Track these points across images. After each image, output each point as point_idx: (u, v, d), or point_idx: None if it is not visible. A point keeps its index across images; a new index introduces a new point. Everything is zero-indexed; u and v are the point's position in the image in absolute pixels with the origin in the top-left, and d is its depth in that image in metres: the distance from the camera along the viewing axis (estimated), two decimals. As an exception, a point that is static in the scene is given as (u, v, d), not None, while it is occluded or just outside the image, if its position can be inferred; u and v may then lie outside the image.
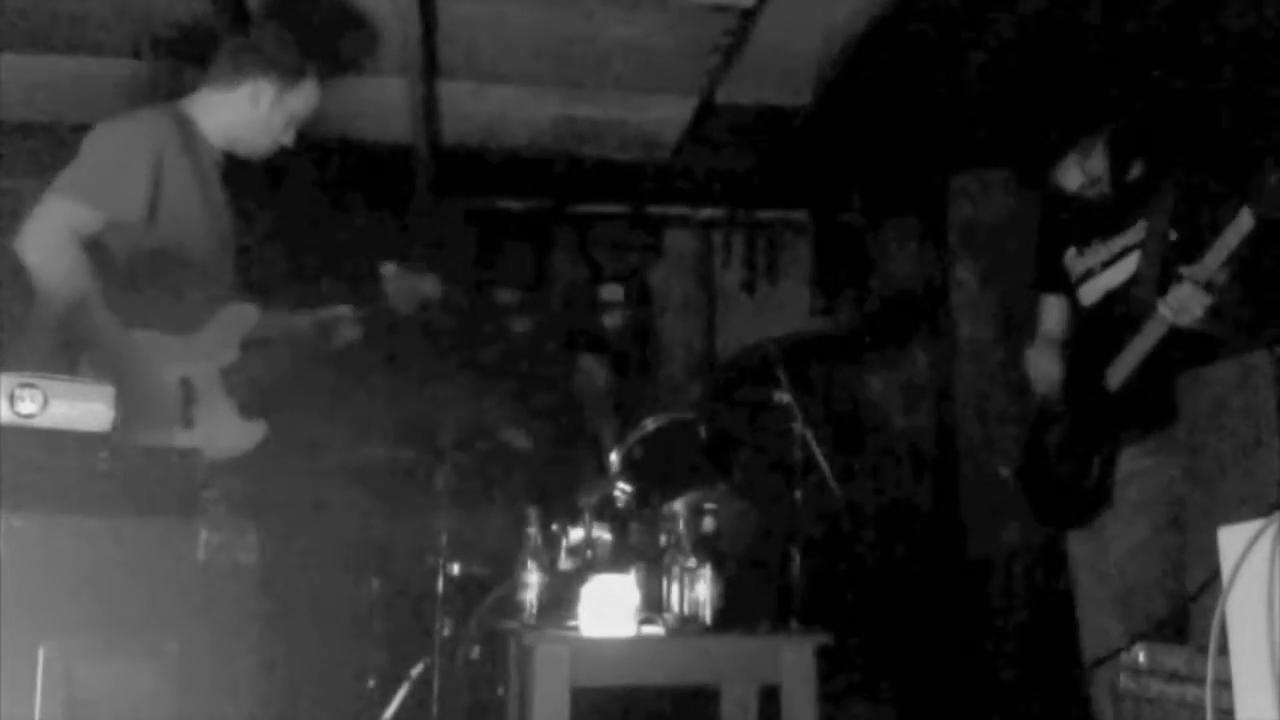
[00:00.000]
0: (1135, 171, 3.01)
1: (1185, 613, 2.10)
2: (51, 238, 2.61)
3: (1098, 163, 2.97)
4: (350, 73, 3.78)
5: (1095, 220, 3.05)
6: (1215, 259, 2.62)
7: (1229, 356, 2.40)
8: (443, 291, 3.29)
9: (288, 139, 3.01)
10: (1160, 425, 2.78)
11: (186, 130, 2.87)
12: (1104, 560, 2.93)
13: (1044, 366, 3.11)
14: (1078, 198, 3.05)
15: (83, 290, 2.60)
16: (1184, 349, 2.69)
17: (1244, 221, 2.53)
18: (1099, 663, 2.81)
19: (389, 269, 3.22)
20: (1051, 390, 3.09)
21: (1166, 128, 3.37)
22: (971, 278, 4.86)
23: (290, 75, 2.94)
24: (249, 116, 2.93)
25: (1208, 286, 2.65)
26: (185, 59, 3.53)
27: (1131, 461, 2.89)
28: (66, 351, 2.60)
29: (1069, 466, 2.99)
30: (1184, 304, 2.68)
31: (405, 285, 3.23)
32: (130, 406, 2.54)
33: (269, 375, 2.93)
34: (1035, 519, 3.29)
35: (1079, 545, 3.04)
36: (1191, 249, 2.71)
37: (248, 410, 2.81)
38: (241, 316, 2.89)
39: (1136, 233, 2.94)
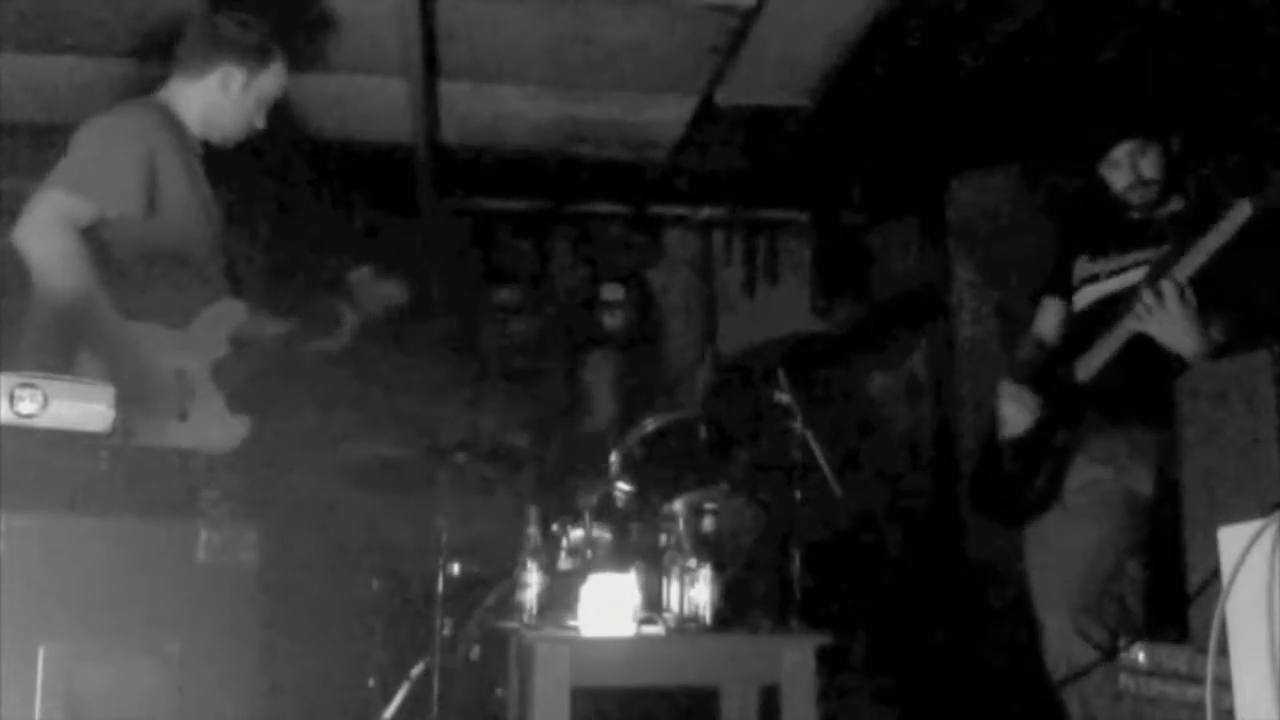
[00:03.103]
0: (1175, 205, 2.97)
1: (1182, 610, 2.09)
2: (49, 228, 2.63)
3: (1151, 164, 2.92)
4: (324, 59, 3.76)
5: (1117, 234, 3.02)
6: (1196, 259, 2.62)
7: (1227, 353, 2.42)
8: (407, 296, 3.36)
9: (259, 121, 3.03)
10: (1123, 423, 2.83)
11: (173, 123, 2.89)
12: (1055, 564, 2.94)
13: (1013, 413, 3.05)
14: (1110, 208, 3.03)
15: (81, 280, 2.61)
16: (1156, 356, 2.69)
17: (1240, 213, 2.53)
18: (1064, 682, 2.84)
19: (358, 274, 3.28)
20: (1019, 431, 3.03)
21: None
22: (971, 278, 4.86)
23: (258, 58, 2.96)
24: (221, 102, 2.95)
25: (1181, 296, 2.64)
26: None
27: (1090, 468, 2.90)
28: (65, 344, 2.61)
29: (1019, 465, 3.01)
30: (1149, 309, 2.68)
31: (371, 290, 3.28)
32: (130, 396, 2.56)
33: (257, 372, 2.95)
34: (974, 508, 3.31)
35: (1032, 550, 3.04)
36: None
37: (234, 406, 2.83)
38: (229, 313, 2.90)
39: (1153, 253, 2.89)
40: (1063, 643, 2.85)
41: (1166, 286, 2.65)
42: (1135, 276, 2.89)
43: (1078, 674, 2.75)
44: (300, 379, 3.37)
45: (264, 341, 3.00)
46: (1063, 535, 2.92)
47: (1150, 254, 2.89)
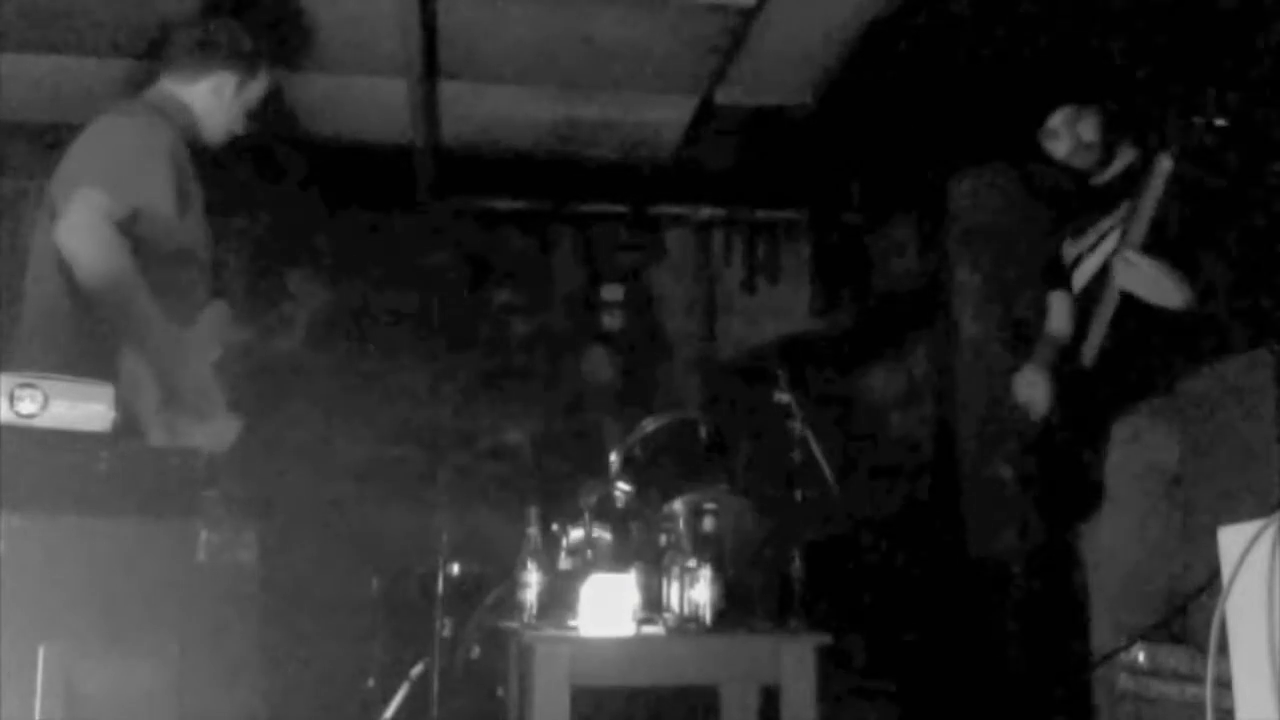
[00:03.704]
0: (1127, 158, 2.97)
1: (1183, 610, 2.10)
2: (90, 225, 2.60)
3: (1089, 127, 2.93)
4: (323, 59, 3.77)
5: (1087, 207, 3.03)
6: (1142, 221, 2.65)
7: (1228, 353, 2.41)
8: (246, 334, 3.31)
9: (239, 127, 3.05)
10: (1143, 395, 2.80)
11: (175, 122, 2.89)
12: (1099, 555, 2.93)
13: (1034, 395, 3.04)
14: (1070, 181, 3.03)
15: (125, 273, 2.61)
16: (1149, 320, 2.71)
17: (1162, 167, 2.57)
18: (1094, 665, 2.82)
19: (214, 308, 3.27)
20: (1041, 413, 3.04)
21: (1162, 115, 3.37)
22: (971, 278, 4.86)
23: (250, 67, 2.99)
24: (212, 107, 2.96)
25: (1148, 251, 2.67)
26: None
27: (1117, 451, 2.87)
28: (101, 341, 2.60)
29: (1063, 462, 3.00)
30: (1124, 271, 2.71)
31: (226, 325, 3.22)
32: (176, 392, 2.57)
33: (254, 372, 2.96)
34: (1038, 511, 3.29)
35: (1084, 540, 3.03)
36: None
37: (232, 405, 2.83)
38: (220, 313, 2.91)
39: (1120, 214, 2.89)
40: (1101, 637, 2.83)
41: (1129, 253, 2.69)
42: (1110, 244, 2.89)
43: (1104, 657, 2.71)
44: (295, 380, 3.37)
45: (237, 343, 3.00)
46: (1102, 524, 2.90)
47: (1115, 219, 2.90)
